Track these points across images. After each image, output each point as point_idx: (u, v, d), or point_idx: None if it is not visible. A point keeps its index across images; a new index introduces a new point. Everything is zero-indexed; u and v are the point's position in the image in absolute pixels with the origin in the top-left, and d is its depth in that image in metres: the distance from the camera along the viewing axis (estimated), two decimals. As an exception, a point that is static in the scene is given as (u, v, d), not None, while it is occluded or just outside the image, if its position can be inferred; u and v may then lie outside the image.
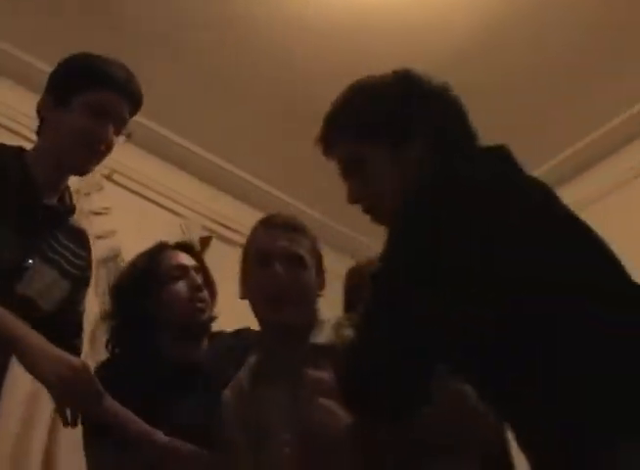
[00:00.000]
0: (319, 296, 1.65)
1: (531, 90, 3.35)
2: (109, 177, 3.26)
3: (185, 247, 2.10)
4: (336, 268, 3.91)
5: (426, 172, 1.32)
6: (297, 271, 1.58)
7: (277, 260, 1.56)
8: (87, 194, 3.07)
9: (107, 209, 3.09)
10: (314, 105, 3.32)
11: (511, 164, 1.35)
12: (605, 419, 1.06)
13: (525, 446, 1.17)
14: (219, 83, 3.34)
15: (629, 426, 1.05)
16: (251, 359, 1.62)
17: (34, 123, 1.78)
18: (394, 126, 1.41)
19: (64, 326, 1.74)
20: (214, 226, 3.66)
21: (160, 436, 1.61)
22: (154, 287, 1.89)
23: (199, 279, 1.94)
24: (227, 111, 3.45)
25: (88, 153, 1.69)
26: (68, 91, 1.68)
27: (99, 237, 2.98)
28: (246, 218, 3.79)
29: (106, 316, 2.01)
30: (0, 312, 1.46)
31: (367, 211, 1.46)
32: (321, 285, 1.66)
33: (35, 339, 1.44)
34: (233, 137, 3.58)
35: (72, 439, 2.52)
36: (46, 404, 2.49)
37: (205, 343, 1.92)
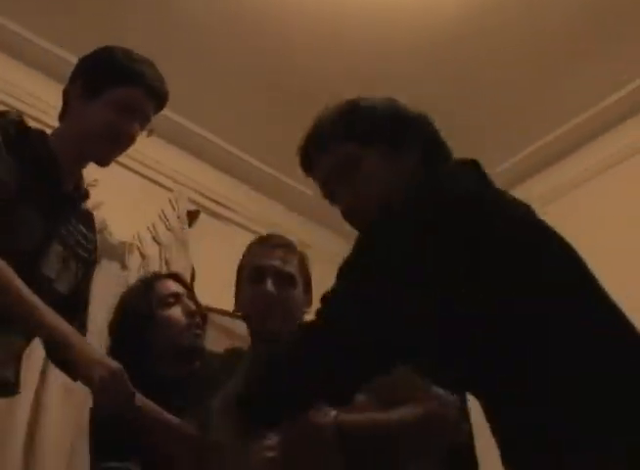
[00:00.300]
0: (305, 312, 1.74)
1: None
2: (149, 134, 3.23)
3: (175, 276, 2.18)
4: (327, 245, 3.96)
5: (413, 183, 1.36)
6: (286, 289, 1.69)
7: (269, 278, 1.67)
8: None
9: (95, 181, 3.07)
10: (301, 79, 3.37)
11: (487, 179, 1.38)
12: (595, 421, 1.06)
13: (508, 448, 1.17)
14: (206, 56, 3.31)
15: (618, 427, 1.06)
16: (241, 369, 1.66)
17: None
18: (389, 133, 1.45)
19: (76, 308, 1.78)
20: (202, 200, 3.64)
21: (190, 428, 1.64)
22: (149, 313, 1.96)
23: (192, 304, 2.02)
24: (215, 84, 3.42)
25: (111, 146, 1.75)
26: (101, 83, 1.72)
27: (85, 210, 2.97)
28: (234, 193, 3.81)
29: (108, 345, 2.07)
30: (42, 307, 1.49)
31: (347, 212, 1.50)
32: (308, 302, 1.76)
33: (77, 339, 1.51)
34: (221, 111, 3.56)
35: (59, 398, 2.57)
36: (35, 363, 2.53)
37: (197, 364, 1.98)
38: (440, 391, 1.39)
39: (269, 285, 1.70)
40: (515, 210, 1.31)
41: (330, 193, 1.54)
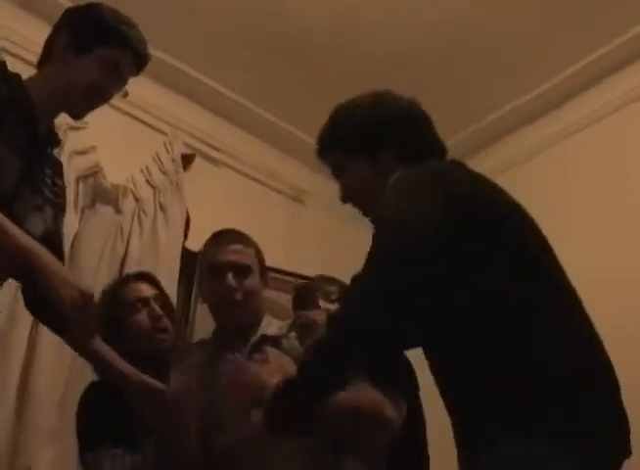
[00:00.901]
0: (263, 291, 1.96)
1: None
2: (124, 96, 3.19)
3: (145, 276, 2.24)
4: (323, 191, 3.94)
5: (387, 181, 1.54)
6: (244, 279, 1.88)
7: (229, 272, 1.85)
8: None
9: (86, 124, 3.02)
10: (298, 26, 3.32)
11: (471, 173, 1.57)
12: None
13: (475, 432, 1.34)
14: (204, 1, 3.24)
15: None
16: (206, 349, 1.94)
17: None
18: (366, 140, 1.67)
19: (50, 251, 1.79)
20: (198, 144, 3.60)
21: (146, 377, 1.73)
22: (116, 320, 2.05)
23: (158, 309, 2.09)
24: (212, 28, 3.36)
25: (89, 103, 1.78)
26: (90, 41, 1.74)
27: (78, 153, 2.94)
28: (230, 137, 3.77)
29: None
30: (19, 234, 1.55)
31: (356, 207, 1.77)
32: (265, 283, 1.97)
33: (50, 259, 1.57)
34: (218, 54, 3.49)
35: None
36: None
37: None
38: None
39: (229, 279, 1.87)
40: (502, 196, 1.51)
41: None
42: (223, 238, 2.00)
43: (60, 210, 1.86)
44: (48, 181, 1.79)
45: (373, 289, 1.33)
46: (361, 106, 1.72)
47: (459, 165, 1.60)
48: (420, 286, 1.31)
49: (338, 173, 1.76)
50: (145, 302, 2.11)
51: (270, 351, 1.79)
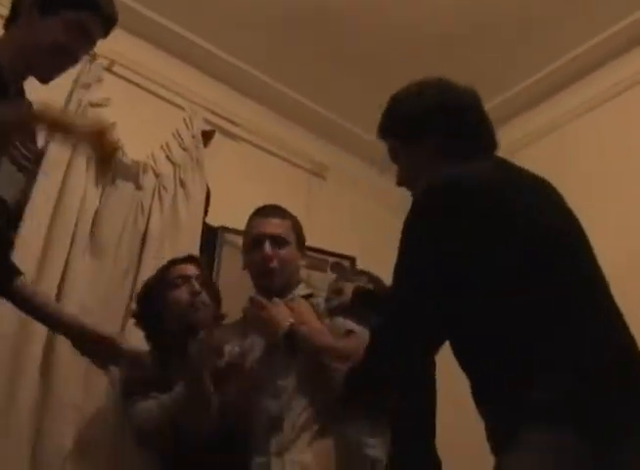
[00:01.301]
0: (302, 260, 2.23)
1: None
2: (109, 69, 3.19)
3: (190, 259, 2.49)
4: (344, 166, 3.93)
5: (432, 173, 1.63)
6: (280, 249, 2.13)
7: (267, 241, 2.10)
8: (86, 86, 3.01)
9: (106, 100, 3.03)
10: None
11: (511, 171, 1.65)
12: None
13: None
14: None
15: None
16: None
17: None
18: (413, 127, 1.75)
19: (18, 219, 1.83)
20: (218, 120, 3.59)
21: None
22: (158, 295, 2.33)
23: (197, 285, 2.33)
24: (230, 3, 3.33)
25: (55, 65, 1.78)
26: (57, 3, 1.73)
27: (97, 129, 2.94)
28: (250, 113, 3.75)
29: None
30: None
31: (398, 185, 1.87)
32: (302, 255, 2.22)
33: None
34: (238, 30, 3.46)
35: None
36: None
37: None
38: None
39: (267, 248, 2.12)
40: (527, 198, 1.55)
41: None
42: (263, 212, 2.24)
43: (30, 174, 1.92)
44: (20, 147, 1.80)
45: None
46: (410, 93, 1.80)
47: (497, 167, 1.65)
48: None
49: (392, 159, 1.86)
50: (185, 279, 2.34)
51: (298, 300, 2.07)
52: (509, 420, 1.31)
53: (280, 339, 1.93)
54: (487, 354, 1.41)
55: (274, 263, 2.13)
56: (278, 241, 2.15)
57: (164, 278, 2.36)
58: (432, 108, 1.73)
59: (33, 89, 1.84)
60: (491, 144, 1.76)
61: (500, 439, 1.35)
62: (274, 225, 2.17)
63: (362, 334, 1.85)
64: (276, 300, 2.03)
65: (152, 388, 2.13)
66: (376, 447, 1.92)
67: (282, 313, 1.96)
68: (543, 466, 1.24)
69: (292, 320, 1.93)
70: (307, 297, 2.14)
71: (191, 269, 2.39)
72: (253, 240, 2.17)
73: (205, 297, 2.32)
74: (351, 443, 1.91)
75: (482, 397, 1.43)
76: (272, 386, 1.97)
